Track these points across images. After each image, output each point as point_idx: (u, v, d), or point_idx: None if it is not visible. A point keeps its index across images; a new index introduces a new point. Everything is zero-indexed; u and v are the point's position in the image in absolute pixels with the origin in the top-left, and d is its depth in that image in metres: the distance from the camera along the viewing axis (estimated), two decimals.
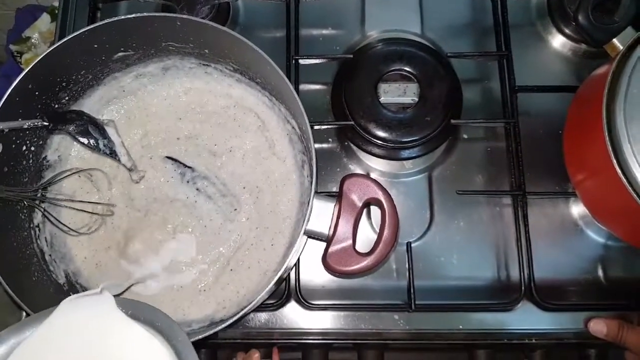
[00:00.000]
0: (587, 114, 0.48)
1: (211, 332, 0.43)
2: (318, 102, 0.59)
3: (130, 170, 0.51)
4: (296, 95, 0.46)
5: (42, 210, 0.50)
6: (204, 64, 0.54)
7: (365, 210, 0.52)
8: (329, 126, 0.58)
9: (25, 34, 0.83)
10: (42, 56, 0.46)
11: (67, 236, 0.52)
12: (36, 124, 0.47)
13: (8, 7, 0.89)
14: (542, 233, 0.55)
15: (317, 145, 0.52)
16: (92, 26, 0.47)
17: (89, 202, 0.52)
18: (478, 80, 0.60)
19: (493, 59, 0.60)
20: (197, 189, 0.53)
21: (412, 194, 0.57)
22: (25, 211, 0.50)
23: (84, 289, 0.51)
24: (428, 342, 0.53)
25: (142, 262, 0.51)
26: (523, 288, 0.51)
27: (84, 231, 0.52)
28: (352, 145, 0.58)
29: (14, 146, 0.48)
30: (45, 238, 0.51)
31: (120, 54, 0.51)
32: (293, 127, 0.52)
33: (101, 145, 0.49)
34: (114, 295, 0.33)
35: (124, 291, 0.49)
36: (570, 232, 0.55)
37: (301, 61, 0.58)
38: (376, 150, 0.57)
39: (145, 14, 0.47)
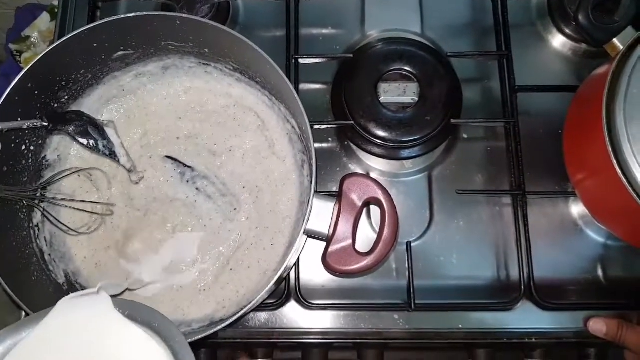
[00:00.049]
0: (587, 114, 0.48)
1: (211, 331, 0.43)
2: (318, 101, 0.59)
3: (129, 171, 0.51)
4: (296, 95, 0.46)
5: (42, 209, 0.50)
6: (203, 63, 0.54)
7: (365, 210, 0.52)
8: (328, 126, 0.58)
9: (24, 33, 0.83)
10: (41, 55, 0.46)
11: (66, 236, 0.52)
12: (36, 124, 0.47)
13: (8, 6, 0.89)
14: (542, 233, 0.55)
15: (317, 145, 0.52)
16: (91, 25, 0.47)
17: (88, 201, 0.52)
18: (478, 80, 0.60)
19: (493, 59, 0.60)
20: (197, 189, 0.53)
21: (412, 193, 0.57)
22: (24, 211, 0.50)
23: (84, 289, 0.50)
24: (428, 341, 0.53)
25: (142, 261, 0.51)
26: (523, 287, 0.51)
27: (83, 231, 0.52)
28: (352, 144, 0.58)
29: (13, 146, 0.48)
30: (45, 238, 0.51)
31: (120, 53, 0.51)
32: (293, 127, 0.52)
33: (100, 146, 0.49)
34: (113, 296, 0.33)
35: (123, 292, 0.49)
36: (570, 231, 0.55)
37: (301, 60, 0.58)
38: (376, 150, 0.56)
39: (144, 13, 0.47)
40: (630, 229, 0.50)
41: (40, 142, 0.51)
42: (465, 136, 0.58)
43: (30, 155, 0.51)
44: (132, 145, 0.54)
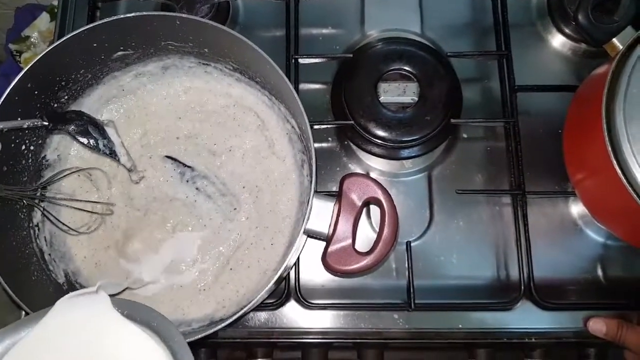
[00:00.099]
0: (586, 114, 0.48)
1: (211, 331, 0.43)
2: (318, 101, 0.59)
3: (129, 170, 0.51)
4: (296, 95, 0.46)
5: (42, 209, 0.50)
6: (203, 63, 0.54)
7: (364, 210, 0.52)
8: (328, 125, 0.58)
9: (24, 33, 0.83)
10: (41, 55, 0.46)
11: (66, 235, 0.52)
12: (36, 123, 0.47)
13: (7, 6, 0.89)
14: (542, 232, 0.55)
15: (316, 145, 0.52)
16: (91, 25, 0.47)
17: (88, 201, 0.52)
18: (478, 80, 0.60)
19: (493, 59, 0.60)
20: (197, 189, 0.53)
21: (412, 193, 0.57)
22: (24, 210, 0.50)
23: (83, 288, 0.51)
24: (428, 341, 0.53)
25: (142, 261, 0.51)
26: (522, 287, 0.51)
27: (83, 230, 0.52)
28: (351, 144, 0.58)
29: (13, 145, 0.48)
30: (45, 237, 0.51)
31: (120, 53, 0.51)
32: (293, 127, 0.52)
33: (101, 145, 0.49)
34: (112, 295, 0.33)
35: (122, 291, 0.49)
36: (569, 231, 0.55)
37: (301, 60, 0.58)
38: (376, 150, 0.57)
39: (144, 13, 0.47)
40: (629, 228, 0.50)
41: (40, 142, 0.51)
42: (465, 136, 0.58)
43: (30, 155, 0.51)
44: (132, 145, 0.54)
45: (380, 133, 0.55)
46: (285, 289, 0.52)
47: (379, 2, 0.63)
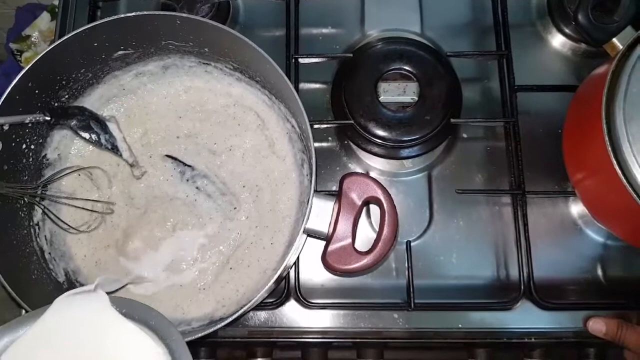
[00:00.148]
0: (586, 114, 0.48)
1: (211, 330, 0.43)
2: (318, 101, 0.59)
3: (131, 165, 0.52)
4: (296, 94, 0.46)
5: (42, 207, 0.50)
6: (203, 63, 0.54)
7: (364, 209, 0.52)
8: (328, 125, 0.58)
9: (25, 32, 0.83)
10: (42, 54, 0.46)
11: (66, 234, 0.52)
12: (38, 118, 0.47)
13: (8, 5, 0.89)
14: (542, 232, 0.55)
15: (316, 144, 0.52)
16: (92, 24, 0.47)
17: (88, 199, 0.52)
18: (478, 80, 0.60)
19: (493, 59, 0.60)
20: (197, 188, 0.53)
21: (412, 193, 0.57)
22: (25, 209, 0.50)
23: None
24: (427, 341, 0.53)
25: (142, 259, 0.51)
26: (522, 287, 0.51)
27: (83, 229, 0.52)
28: (351, 144, 0.58)
29: (14, 144, 0.48)
30: (45, 236, 0.51)
31: (120, 52, 0.51)
32: (293, 126, 0.52)
33: (103, 140, 0.49)
34: (111, 292, 0.33)
35: (121, 287, 0.49)
36: (569, 231, 0.55)
37: (301, 60, 0.58)
38: (376, 149, 0.57)
39: (145, 12, 0.47)
40: (629, 228, 0.50)
41: (40, 140, 0.51)
42: (464, 136, 0.59)
43: (30, 154, 0.51)
44: (132, 144, 0.54)
45: (380, 133, 0.56)
46: (285, 288, 0.52)
47: (379, 1, 0.63)
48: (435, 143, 0.57)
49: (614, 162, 0.42)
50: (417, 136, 0.55)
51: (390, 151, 0.57)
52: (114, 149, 0.49)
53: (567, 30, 0.60)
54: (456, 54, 0.58)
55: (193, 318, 0.49)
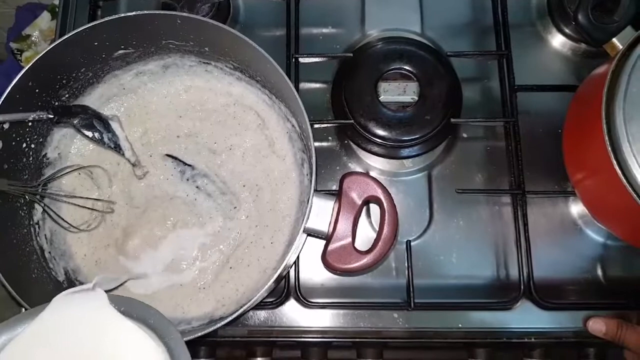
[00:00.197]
0: (586, 114, 0.48)
1: (210, 329, 0.43)
2: (318, 100, 0.59)
3: (134, 165, 0.52)
4: (296, 94, 0.46)
5: (43, 205, 0.50)
6: (204, 62, 0.54)
7: (364, 209, 0.52)
8: (328, 124, 0.58)
9: (25, 31, 0.83)
10: (42, 53, 0.46)
11: (66, 233, 0.52)
12: (41, 116, 0.47)
13: (8, 5, 0.89)
14: (542, 232, 0.55)
15: (316, 144, 0.52)
16: (92, 24, 0.47)
17: (89, 198, 0.52)
18: (478, 79, 0.60)
19: (493, 58, 0.60)
20: (197, 187, 0.53)
21: (412, 192, 0.57)
22: (25, 208, 0.50)
23: None
24: (427, 340, 0.53)
25: (142, 259, 0.51)
26: (522, 287, 0.51)
27: (83, 228, 0.52)
28: (351, 143, 0.58)
29: (14, 143, 0.48)
30: (45, 235, 0.51)
31: (121, 51, 0.51)
32: (293, 126, 0.52)
33: (105, 139, 0.49)
34: (110, 290, 0.33)
35: (120, 285, 0.49)
36: (569, 231, 0.55)
37: (301, 59, 0.58)
38: (376, 149, 0.57)
39: (145, 11, 0.48)
40: (629, 228, 0.50)
41: (40, 139, 0.51)
42: (464, 135, 0.59)
43: (31, 153, 0.51)
44: (133, 144, 0.54)
45: (380, 132, 0.56)
46: (285, 288, 0.52)
47: (379, 1, 0.63)
48: (436, 143, 0.57)
49: (614, 162, 0.42)
50: (417, 136, 0.55)
51: (390, 151, 0.57)
52: (117, 148, 0.50)
53: (567, 30, 0.60)
54: (456, 53, 0.58)
55: (193, 317, 0.49)
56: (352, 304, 0.53)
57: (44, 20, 0.83)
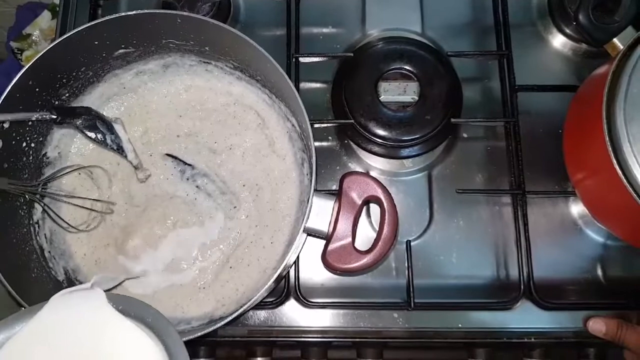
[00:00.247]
0: (587, 114, 0.48)
1: (210, 329, 0.43)
2: (318, 100, 0.59)
3: (136, 168, 0.51)
4: (296, 93, 0.46)
5: (43, 205, 0.50)
6: (204, 62, 0.54)
7: (364, 208, 0.52)
8: (328, 124, 0.58)
9: (25, 31, 0.83)
10: (42, 52, 0.46)
11: (66, 233, 0.52)
12: (44, 116, 0.47)
13: (9, 4, 0.89)
14: (542, 232, 0.55)
15: (317, 144, 0.52)
16: (92, 23, 0.47)
17: (89, 198, 0.52)
18: (478, 79, 0.60)
19: (493, 58, 0.60)
20: (197, 187, 0.53)
21: (412, 192, 0.57)
22: (24, 208, 0.50)
23: None
24: (427, 340, 0.53)
25: (142, 258, 0.51)
26: (522, 287, 0.51)
27: (82, 228, 0.52)
28: (352, 143, 0.58)
29: (14, 142, 0.48)
30: (45, 235, 0.51)
31: (121, 51, 0.51)
32: (293, 125, 0.52)
33: (108, 141, 0.49)
34: (108, 290, 0.33)
35: (118, 285, 0.49)
36: (569, 231, 0.55)
37: (301, 59, 0.58)
38: (376, 149, 0.57)
39: (146, 10, 0.47)
40: (629, 228, 0.50)
41: (40, 139, 0.51)
42: (465, 135, 0.58)
43: (30, 152, 0.51)
44: (133, 143, 0.54)
45: (381, 132, 0.56)
46: (285, 288, 0.52)
47: (380, 1, 0.63)
48: (436, 143, 0.57)
49: (615, 162, 0.42)
50: (417, 136, 0.55)
51: (391, 151, 0.57)
52: (119, 150, 0.49)
53: (567, 30, 0.60)
54: (457, 53, 0.58)
55: (193, 317, 0.49)
56: (352, 303, 0.53)
57: (45, 20, 0.83)
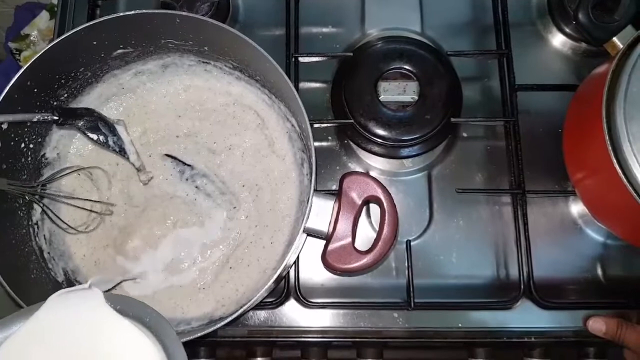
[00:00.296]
0: (586, 113, 0.48)
1: (210, 330, 0.42)
2: (318, 100, 0.59)
3: (138, 170, 0.51)
4: (296, 93, 0.46)
5: (42, 205, 0.50)
6: (203, 62, 0.54)
7: (364, 208, 0.52)
8: (328, 124, 0.58)
9: (24, 31, 0.83)
10: (41, 52, 0.46)
11: (65, 234, 0.52)
12: (46, 117, 0.47)
13: (7, 4, 0.89)
14: (542, 232, 0.55)
15: (316, 144, 0.52)
16: (91, 23, 0.47)
17: (89, 200, 0.52)
18: (478, 79, 0.60)
19: (493, 58, 0.59)
20: (197, 187, 0.53)
21: (412, 192, 0.57)
22: (23, 208, 0.50)
23: None
24: (427, 340, 0.53)
25: (141, 259, 0.51)
26: (522, 286, 0.51)
27: (81, 229, 0.52)
28: (351, 143, 0.58)
29: (12, 143, 0.48)
30: (44, 236, 0.51)
31: (120, 51, 0.51)
32: (293, 125, 0.52)
33: (110, 142, 0.49)
34: (104, 291, 0.33)
35: (114, 286, 0.49)
36: (569, 230, 0.55)
37: (301, 59, 0.58)
38: (376, 149, 0.56)
39: (144, 10, 0.47)
40: (629, 228, 0.50)
41: (39, 139, 0.51)
42: (465, 135, 0.58)
43: (29, 153, 0.50)
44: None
45: (380, 132, 0.55)
46: (285, 288, 0.52)
47: (379, 0, 0.62)
48: (436, 142, 0.57)
49: (614, 161, 0.42)
50: (417, 135, 0.55)
51: (390, 150, 0.57)
52: (121, 152, 0.49)
53: (567, 30, 0.60)
54: (456, 53, 0.58)
55: (192, 317, 0.49)
56: (352, 303, 0.53)
57: (43, 20, 0.83)
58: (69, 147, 0.54)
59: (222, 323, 0.42)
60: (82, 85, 0.53)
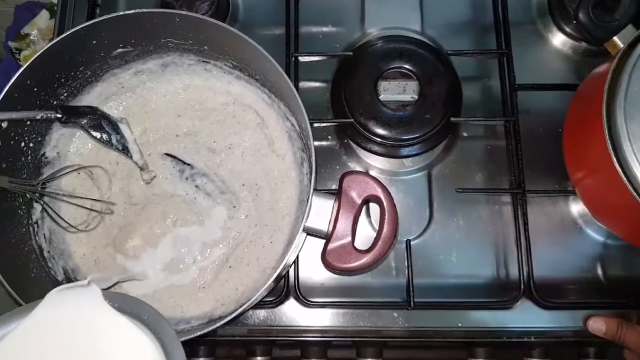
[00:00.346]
0: (587, 112, 0.48)
1: (210, 329, 0.42)
2: (317, 99, 0.59)
3: (141, 169, 0.51)
4: (296, 93, 0.46)
5: (42, 203, 0.50)
6: (203, 61, 0.54)
7: (364, 208, 0.52)
8: (328, 124, 0.58)
9: (24, 30, 0.83)
10: (40, 52, 0.46)
11: (65, 233, 0.52)
12: (49, 115, 0.46)
13: (7, 3, 0.89)
14: (542, 231, 0.54)
15: (316, 143, 0.52)
16: (90, 22, 0.47)
17: (89, 198, 0.52)
18: (478, 78, 0.60)
19: (493, 57, 0.59)
20: (196, 186, 0.53)
21: (412, 191, 0.57)
22: (23, 207, 0.50)
23: None
24: (427, 339, 0.53)
25: (141, 258, 0.51)
26: (522, 286, 0.51)
27: (82, 228, 0.52)
28: (351, 142, 0.58)
29: (12, 142, 0.48)
30: (44, 234, 0.51)
31: (119, 50, 0.51)
32: (292, 125, 0.52)
33: (114, 141, 0.49)
34: (103, 289, 0.33)
35: (113, 285, 0.49)
36: (569, 230, 0.55)
37: (301, 58, 0.58)
38: (376, 148, 0.56)
39: (144, 10, 0.47)
40: (630, 227, 0.50)
41: (39, 138, 0.51)
42: (465, 134, 0.58)
43: (29, 152, 0.50)
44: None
45: (380, 131, 0.55)
46: (285, 287, 0.52)
47: (379, 0, 0.62)
48: (435, 142, 0.56)
49: (615, 160, 0.42)
50: (417, 135, 0.55)
51: (390, 150, 0.57)
52: (125, 150, 0.49)
53: (567, 29, 0.60)
54: (456, 52, 0.58)
55: (192, 317, 0.49)
56: (352, 303, 0.53)
57: (43, 19, 0.83)
58: (69, 146, 0.54)
59: (222, 322, 0.43)
60: (82, 85, 0.53)
